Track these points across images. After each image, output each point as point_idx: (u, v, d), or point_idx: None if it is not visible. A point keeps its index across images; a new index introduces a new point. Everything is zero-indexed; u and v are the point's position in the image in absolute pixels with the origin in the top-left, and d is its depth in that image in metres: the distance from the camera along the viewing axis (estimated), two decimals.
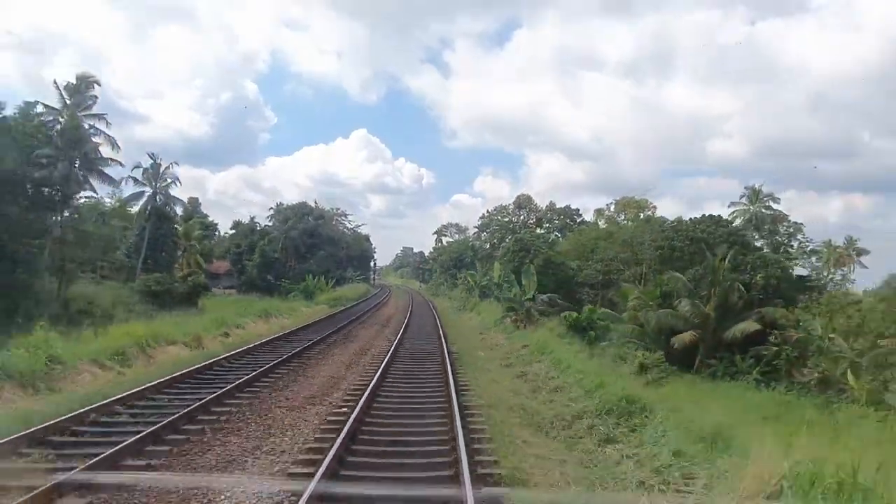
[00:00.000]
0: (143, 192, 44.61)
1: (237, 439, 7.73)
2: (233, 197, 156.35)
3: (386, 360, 14.24)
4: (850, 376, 22.05)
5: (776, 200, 61.60)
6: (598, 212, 78.11)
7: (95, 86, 36.17)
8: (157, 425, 7.69)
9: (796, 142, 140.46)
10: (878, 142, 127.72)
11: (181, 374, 11.43)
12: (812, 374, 23.52)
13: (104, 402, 8.81)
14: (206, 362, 13.13)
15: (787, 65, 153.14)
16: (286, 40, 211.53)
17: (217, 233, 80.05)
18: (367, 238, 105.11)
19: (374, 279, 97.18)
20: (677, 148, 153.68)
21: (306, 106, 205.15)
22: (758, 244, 65.64)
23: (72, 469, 5.89)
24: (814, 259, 66.46)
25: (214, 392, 9.97)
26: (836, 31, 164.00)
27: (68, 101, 35.67)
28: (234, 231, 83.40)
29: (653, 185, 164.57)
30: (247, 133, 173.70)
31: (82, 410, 8.23)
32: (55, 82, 35.60)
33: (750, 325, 27.05)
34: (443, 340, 18.79)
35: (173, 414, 8.31)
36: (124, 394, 9.40)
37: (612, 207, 77.30)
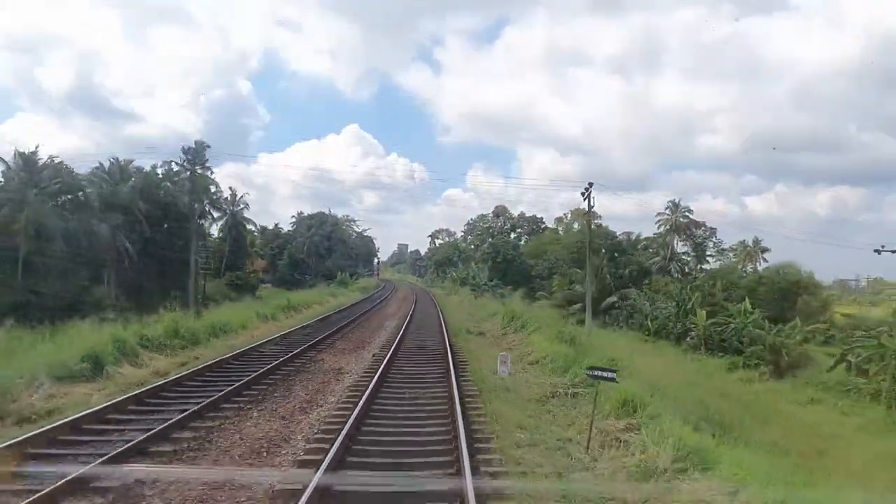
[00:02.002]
0: (224, 214, 63.81)
1: (378, 320, 27.42)
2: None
3: (411, 310, 33.38)
4: (650, 324, 41.93)
5: (691, 211, 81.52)
6: (558, 220, 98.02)
7: (207, 148, 55.43)
8: (356, 315, 27.18)
9: (784, 136, 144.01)
10: (866, 135, 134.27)
11: (339, 310, 30.63)
12: (636, 324, 43.27)
13: (331, 313, 28.16)
14: (338, 310, 32.23)
15: (772, 60, 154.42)
16: (280, 39, 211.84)
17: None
18: (371, 241, 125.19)
19: (377, 275, 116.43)
20: (667, 143, 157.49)
21: (299, 103, 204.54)
22: (681, 244, 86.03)
23: (350, 321, 25.40)
24: (731, 255, 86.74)
25: (360, 312, 29.30)
26: (820, 27, 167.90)
27: (189, 159, 54.86)
28: (259, 235, 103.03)
29: (644, 178, 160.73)
30: (240, 131, 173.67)
31: (329, 314, 27.65)
32: (182, 148, 54.82)
33: (612, 299, 47.03)
34: (437, 305, 38.27)
35: (359, 313, 27.85)
36: (331, 313, 28.68)
37: (569, 216, 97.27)
